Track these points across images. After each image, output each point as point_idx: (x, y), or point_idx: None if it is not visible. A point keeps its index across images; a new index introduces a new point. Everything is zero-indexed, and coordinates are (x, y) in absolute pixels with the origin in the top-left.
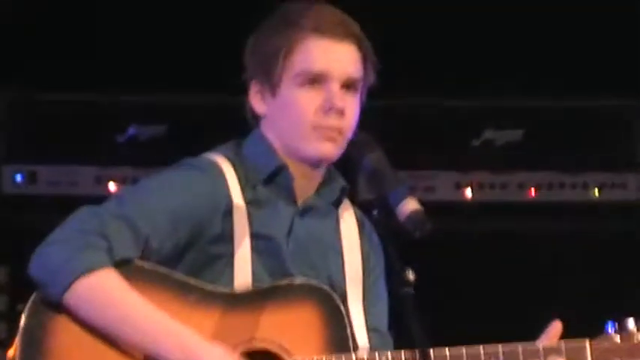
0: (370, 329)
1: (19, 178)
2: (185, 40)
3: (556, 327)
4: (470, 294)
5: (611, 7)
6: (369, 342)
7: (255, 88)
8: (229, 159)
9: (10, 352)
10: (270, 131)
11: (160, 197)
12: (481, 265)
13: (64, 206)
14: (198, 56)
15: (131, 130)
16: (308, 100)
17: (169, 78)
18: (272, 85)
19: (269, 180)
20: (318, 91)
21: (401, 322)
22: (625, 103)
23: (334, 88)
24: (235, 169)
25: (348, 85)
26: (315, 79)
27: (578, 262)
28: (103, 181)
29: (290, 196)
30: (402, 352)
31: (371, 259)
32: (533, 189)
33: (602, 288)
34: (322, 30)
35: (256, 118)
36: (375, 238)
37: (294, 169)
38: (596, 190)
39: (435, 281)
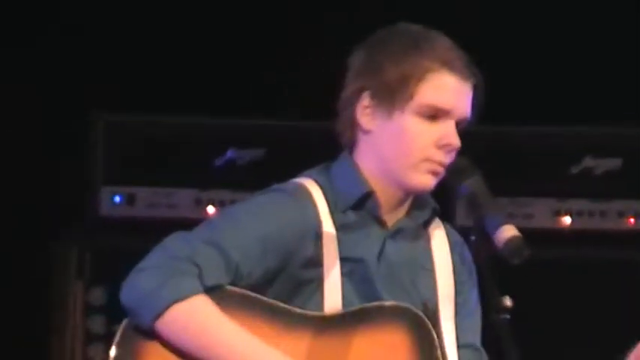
0: (463, 345)
1: (117, 199)
2: (285, 66)
3: None
4: (567, 321)
5: None
6: (462, 358)
7: (367, 102)
8: (318, 183)
9: None
10: (368, 150)
11: (250, 223)
12: (579, 293)
13: (162, 229)
14: (297, 81)
15: (230, 154)
16: (426, 133)
17: (268, 102)
18: (391, 107)
19: (357, 206)
20: (436, 126)
21: (497, 348)
22: None
23: (452, 126)
24: (324, 194)
25: (459, 124)
26: (437, 115)
27: None
28: (201, 204)
29: (378, 221)
30: None
31: (462, 275)
32: (632, 218)
33: None
34: (453, 66)
35: (352, 133)
36: (467, 254)
37: (387, 193)
38: None
39: (533, 308)
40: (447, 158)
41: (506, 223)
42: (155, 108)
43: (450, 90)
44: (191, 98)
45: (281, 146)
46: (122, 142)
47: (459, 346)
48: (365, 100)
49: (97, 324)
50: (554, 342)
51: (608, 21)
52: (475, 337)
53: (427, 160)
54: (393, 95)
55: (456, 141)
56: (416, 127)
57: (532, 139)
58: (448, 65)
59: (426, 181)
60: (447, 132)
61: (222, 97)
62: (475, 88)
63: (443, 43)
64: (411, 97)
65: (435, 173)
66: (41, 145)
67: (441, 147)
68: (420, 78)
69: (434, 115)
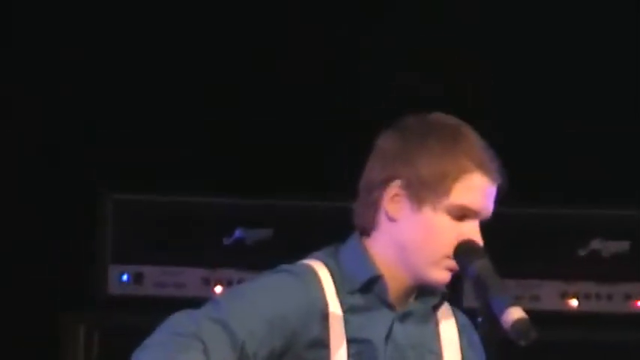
0: None
1: (125, 278)
2: (293, 148)
3: None
4: None
5: None
6: None
7: (397, 191)
8: (326, 265)
9: None
10: (387, 237)
11: (257, 303)
12: None
13: (170, 307)
14: (306, 162)
15: (238, 233)
16: (453, 231)
17: (276, 183)
18: (423, 202)
19: (365, 289)
20: (462, 225)
21: None
22: None
23: (477, 226)
24: (332, 275)
25: (481, 221)
26: (466, 214)
27: None
28: (209, 284)
29: (386, 304)
30: None
31: (470, 357)
32: (639, 301)
33: None
34: (487, 168)
35: (373, 219)
36: (475, 337)
37: (398, 278)
38: None
39: None
40: None
41: (514, 304)
42: (163, 187)
43: (482, 192)
44: (200, 177)
45: (289, 226)
46: (130, 220)
47: None
48: (395, 188)
49: None
50: None
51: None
52: None
53: (449, 257)
54: (427, 191)
55: (480, 241)
56: (445, 224)
57: (539, 220)
58: (483, 167)
59: (444, 277)
60: (472, 233)
61: (230, 178)
62: (499, 189)
63: (478, 142)
64: (445, 196)
65: (452, 270)
66: (51, 221)
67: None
68: (456, 178)
69: (463, 215)
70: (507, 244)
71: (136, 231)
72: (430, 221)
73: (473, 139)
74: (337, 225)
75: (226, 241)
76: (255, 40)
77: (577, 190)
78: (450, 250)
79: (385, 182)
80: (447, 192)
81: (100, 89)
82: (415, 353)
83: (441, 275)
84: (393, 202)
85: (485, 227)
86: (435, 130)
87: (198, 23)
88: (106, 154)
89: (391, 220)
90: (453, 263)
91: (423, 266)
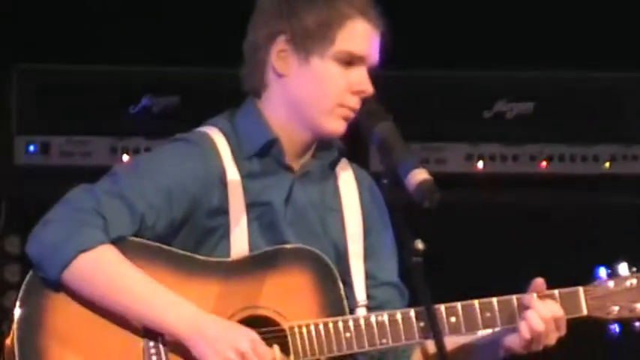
0: (383, 283)
1: (31, 148)
2: (196, 15)
3: (538, 283)
4: (478, 263)
5: None
6: (385, 296)
7: (283, 46)
8: (222, 131)
9: (8, 341)
10: (279, 94)
11: (154, 174)
12: (492, 236)
13: (77, 177)
14: (209, 29)
15: (144, 101)
16: (342, 79)
17: (181, 51)
18: (309, 52)
19: (262, 153)
20: (350, 72)
21: (411, 288)
22: (637, 77)
23: (365, 72)
24: (228, 141)
25: (368, 69)
26: (352, 61)
27: (587, 231)
28: (117, 152)
29: (284, 166)
30: (398, 310)
31: (372, 215)
32: (544, 161)
33: (609, 253)
34: (367, 14)
35: (263, 78)
36: (378, 194)
37: (294, 137)
38: (607, 162)
39: (444, 251)
40: (359, 104)
41: (418, 167)
42: (69, 56)
43: (365, 37)
44: (105, 47)
45: (196, 93)
46: (37, 91)
47: (377, 285)
48: (280, 43)
49: (13, 273)
50: (465, 282)
51: None
52: (393, 274)
53: (341, 105)
54: (312, 41)
55: (369, 87)
56: (333, 72)
57: (444, 83)
58: (365, 13)
59: (339, 126)
60: (361, 78)
61: (136, 46)
62: (382, 36)
63: None
64: (330, 44)
65: (346, 119)
66: None
67: (355, 93)
68: (339, 24)
69: (349, 61)
70: (413, 107)
71: (42, 101)
72: (319, 71)
73: None
74: (240, 92)
75: (133, 109)
76: None
77: (481, 52)
78: (342, 97)
79: (270, 39)
80: (332, 39)
81: None
82: (316, 212)
83: (336, 124)
84: (280, 57)
85: (391, 90)
86: None
87: None
88: (10, 25)
89: (280, 76)
90: (346, 111)
91: (317, 117)
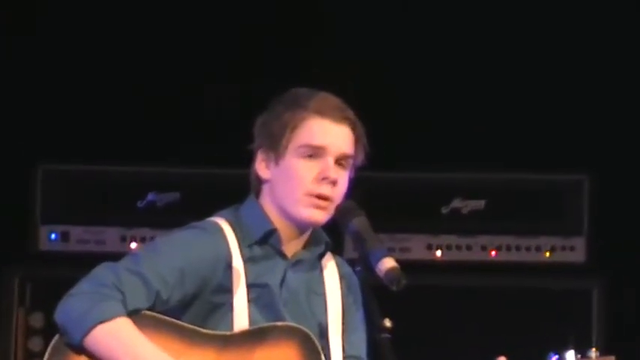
0: (350, 357)
1: (53, 236)
2: (197, 122)
3: None
4: (439, 338)
5: (566, 95)
6: None
7: (261, 157)
8: (229, 221)
9: None
10: (269, 196)
11: (170, 255)
12: (450, 315)
13: (92, 261)
14: (209, 134)
15: (150, 197)
16: (306, 170)
17: (183, 153)
18: (277, 155)
19: (262, 241)
20: (315, 163)
21: None
22: (574, 178)
23: (330, 162)
24: (234, 230)
25: (341, 161)
26: (314, 153)
27: (532, 313)
28: (126, 241)
29: (280, 254)
30: None
31: (349, 298)
32: (494, 250)
33: (552, 333)
34: (323, 112)
35: (258, 185)
36: (354, 280)
37: (286, 229)
38: (548, 252)
39: (410, 328)
40: (331, 191)
41: (387, 255)
42: (87, 158)
43: (322, 130)
44: (115, 150)
45: (194, 190)
46: (58, 187)
47: (346, 357)
48: (260, 156)
49: (37, 344)
50: (427, 356)
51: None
52: (361, 349)
53: (309, 194)
54: (276, 144)
55: (331, 173)
56: (297, 166)
57: (408, 183)
58: (320, 112)
59: (312, 214)
60: (324, 167)
61: (143, 148)
62: (355, 131)
63: (320, 96)
64: (290, 142)
65: (319, 207)
66: None
67: (321, 181)
68: (295, 125)
69: (311, 154)
70: (380, 204)
71: (63, 197)
72: (287, 168)
73: (316, 95)
74: (235, 189)
75: (140, 203)
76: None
77: (441, 156)
78: (308, 187)
79: (255, 154)
80: (291, 139)
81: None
82: (305, 296)
83: (309, 213)
84: (261, 167)
85: (363, 189)
86: (284, 98)
87: None
88: (35, 129)
89: (266, 181)
90: (316, 200)
91: (292, 208)
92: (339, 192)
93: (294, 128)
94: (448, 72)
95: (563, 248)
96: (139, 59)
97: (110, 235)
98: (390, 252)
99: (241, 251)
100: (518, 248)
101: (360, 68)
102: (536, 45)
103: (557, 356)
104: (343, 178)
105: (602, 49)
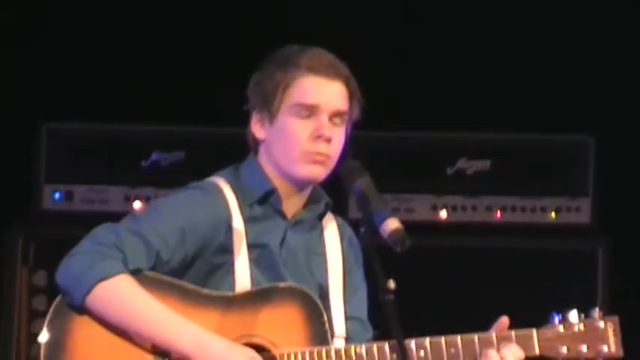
0: (350, 318)
1: (57, 195)
2: (200, 79)
3: (503, 320)
4: (444, 301)
5: (573, 57)
6: (350, 329)
7: (256, 118)
8: (229, 182)
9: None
10: (265, 155)
11: (170, 216)
12: (454, 276)
13: (96, 220)
14: (212, 92)
15: (154, 156)
16: (301, 129)
17: (187, 111)
18: (271, 115)
19: (262, 201)
20: (309, 121)
21: (385, 324)
22: (580, 139)
23: (324, 119)
24: (234, 191)
25: (335, 118)
26: (308, 111)
27: (537, 274)
28: (130, 200)
29: (280, 214)
30: (374, 343)
31: (350, 259)
32: (499, 211)
33: (557, 294)
34: (316, 69)
35: (255, 145)
36: (355, 241)
37: (285, 188)
38: (553, 213)
39: (414, 290)
40: (327, 148)
41: (392, 216)
42: (90, 116)
43: (315, 88)
44: (120, 109)
45: (199, 149)
46: (62, 146)
47: (347, 318)
48: (255, 117)
49: (40, 303)
50: (432, 319)
51: (479, 34)
52: (361, 311)
53: (307, 152)
54: (270, 104)
55: (327, 131)
56: (293, 125)
57: (413, 143)
58: (312, 69)
59: (311, 170)
60: (319, 125)
61: (147, 107)
62: (349, 86)
63: (312, 54)
64: (283, 102)
65: (318, 163)
66: None
67: (316, 139)
68: (287, 84)
69: (305, 111)
70: (386, 164)
71: (66, 156)
72: (282, 127)
73: (308, 51)
74: (240, 148)
75: (144, 163)
76: None
77: (447, 116)
78: (305, 145)
79: (250, 115)
80: (284, 98)
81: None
82: (304, 256)
83: (308, 169)
84: (256, 127)
85: (367, 149)
86: (276, 57)
87: None
88: (39, 87)
89: (262, 141)
90: (314, 156)
91: (290, 167)
92: (335, 149)
93: (286, 87)
94: (455, 30)
95: (569, 209)
96: (144, 19)
97: (114, 195)
98: (394, 212)
99: (241, 211)
100: (523, 209)
101: (365, 29)
102: (542, 7)
103: (559, 316)
104: (338, 134)
105: (609, 11)
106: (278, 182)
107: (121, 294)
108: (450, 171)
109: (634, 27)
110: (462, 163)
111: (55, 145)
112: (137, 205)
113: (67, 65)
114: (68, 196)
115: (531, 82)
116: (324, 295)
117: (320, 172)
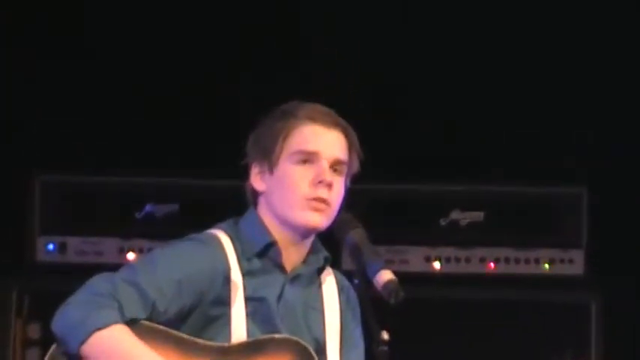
0: None
1: (51, 247)
2: (193, 132)
3: None
4: (436, 352)
5: (566, 109)
6: None
7: (256, 170)
8: (228, 234)
9: None
10: (266, 206)
11: (167, 267)
12: (448, 328)
13: (90, 272)
14: (208, 144)
15: (148, 208)
16: (301, 175)
17: (180, 164)
18: (271, 164)
19: (261, 254)
20: (310, 169)
21: None
22: (573, 191)
23: (324, 165)
24: (233, 243)
25: (335, 166)
26: (308, 158)
27: (530, 326)
28: (124, 252)
29: (279, 267)
30: None
31: (347, 313)
32: (492, 263)
33: (549, 346)
34: (315, 119)
35: (254, 198)
36: (353, 295)
37: (286, 240)
38: (547, 264)
39: (407, 341)
40: (327, 195)
41: (385, 268)
42: (85, 169)
43: (313, 136)
44: (114, 161)
45: (192, 202)
46: (56, 198)
47: None
48: (254, 169)
49: (34, 355)
50: None
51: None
52: None
53: (307, 198)
54: (270, 154)
55: (328, 177)
56: (293, 172)
57: (407, 195)
58: (311, 118)
59: (311, 217)
60: (320, 171)
61: (141, 159)
62: (348, 137)
63: (309, 105)
64: (283, 151)
65: (317, 209)
66: None
67: (317, 184)
68: (287, 133)
69: (305, 159)
70: (380, 215)
71: (60, 207)
72: (282, 175)
73: (305, 104)
74: (234, 201)
75: (138, 215)
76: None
77: (441, 169)
78: (305, 191)
79: (249, 169)
80: (284, 147)
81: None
82: (302, 311)
83: (308, 216)
84: (256, 180)
85: (363, 202)
86: (273, 112)
87: None
88: (33, 139)
89: (262, 193)
90: (314, 203)
91: (290, 214)
92: (335, 196)
93: (286, 136)
94: (446, 85)
95: (562, 261)
96: (138, 67)
97: (108, 247)
98: (388, 264)
99: (240, 264)
100: (516, 261)
101: (359, 79)
102: (533, 56)
103: None
104: (339, 183)
105: (599, 60)
106: (278, 234)
107: (117, 344)
108: (443, 222)
109: (625, 76)
110: (455, 215)
111: (49, 196)
112: (131, 256)
113: (60, 116)
114: (62, 248)
115: (524, 133)
116: (321, 349)
117: (320, 221)
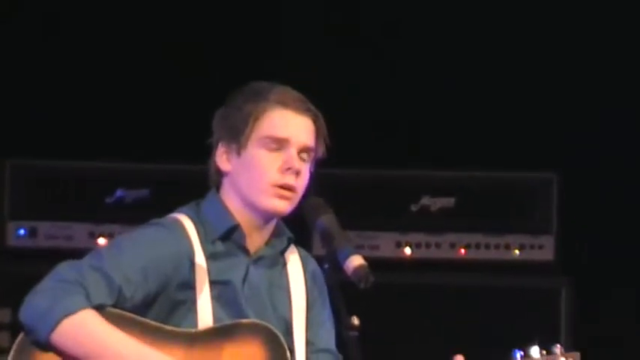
0: (321, 350)
1: (21, 232)
2: (164, 117)
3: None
4: (406, 336)
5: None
6: None
7: (222, 150)
8: (191, 218)
9: None
10: (230, 188)
11: (132, 253)
12: (418, 313)
13: (60, 257)
14: (178, 129)
15: (118, 193)
16: (270, 161)
17: (151, 148)
18: (239, 146)
19: (224, 237)
20: (279, 154)
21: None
22: (543, 176)
23: (293, 152)
24: (196, 227)
25: (303, 153)
26: (277, 144)
27: (500, 311)
28: (94, 236)
29: (243, 250)
30: None
31: (313, 292)
32: (462, 248)
33: (519, 331)
34: (286, 103)
35: (217, 178)
36: (318, 275)
37: (249, 223)
38: (517, 250)
39: (377, 326)
40: (294, 181)
41: (355, 253)
42: (55, 153)
43: (284, 122)
44: (85, 146)
45: (163, 187)
46: (26, 183)
47: (316, 351)
48: (220, 148)
49: (4, 339)
50: (396, 356)
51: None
52: (330, 342)
53: (274, 185)
54: (238, 135)
55: (296, 164)
56: (260, 157)
57: (377, 180)
58: (282, 103)
59: (277, 204)
60: (288, 157)
61: (112, 145)
62: (316, 123)
63: (281, 89)
64: (252, 133)
65: (283, 197)
66: None
67: (285, 171)
68: (257, 116)
69: (275, 144)
70: (350, 201)
71: (31, 192)
72: (250, 158)
73: (277, 87)
74: (204, 185)
75: (108, 199)
76: None
77: (411, 154)
78: (273, 177)
79: (214, 147)
80: (253, 130)
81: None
82: (267, 291)
83: (274, 203)
84: (222, 160)
85: (333, 187)
86: (244, 91)
87: None
88: (2, 124)
89: (226, 174)
90: (281, 190)
91: (257, 199)
92: (302, 183)
93: (256, 119)
94: (418, 69)
95: (532, 247)
96: (108, 51)
97: (78, 231)
98: (358, 250)
99: (203, 247)
100: (487, 246)
101: (332, 66)
102: (504, 42)
103: (521, 352)
104: (305, 170)
105: (569, 47)
106: (241, 216)
107: (87, 329)
108: (414, 208)
109: (595, 64)
110: (425, 201)
111: (19, 181)
112: (101, 241)
113: (31, 101)
114: (32, 233)
115: (495, 119)
116: (288, 329)
117: (285, 207)
